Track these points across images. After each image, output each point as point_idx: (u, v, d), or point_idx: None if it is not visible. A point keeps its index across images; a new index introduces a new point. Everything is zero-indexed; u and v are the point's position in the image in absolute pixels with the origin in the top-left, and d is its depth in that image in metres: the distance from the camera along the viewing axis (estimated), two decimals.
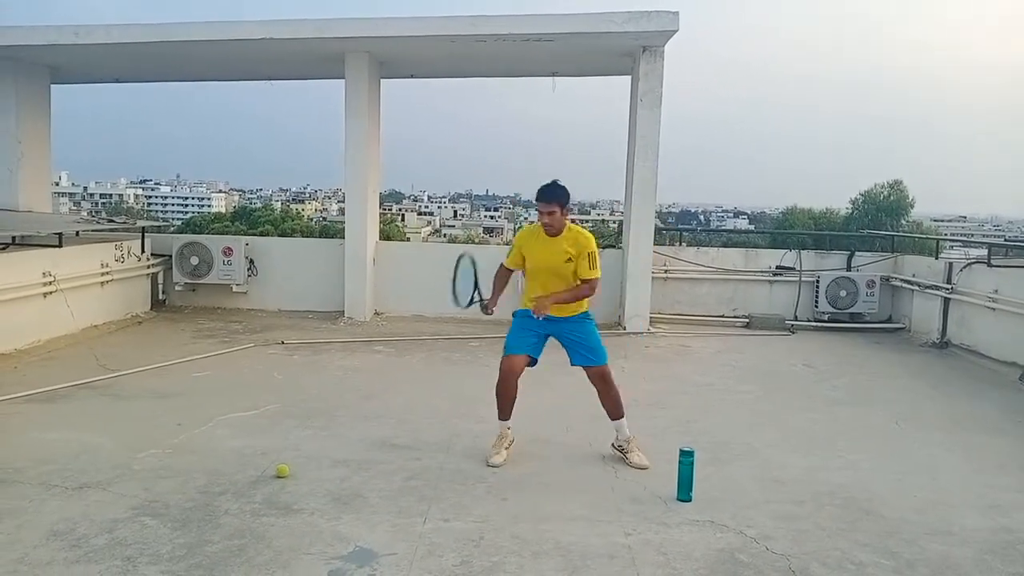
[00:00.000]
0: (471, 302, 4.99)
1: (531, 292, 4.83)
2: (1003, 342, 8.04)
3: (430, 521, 3.89)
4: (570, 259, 4.66)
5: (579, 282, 4.72)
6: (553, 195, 4.61)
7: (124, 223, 10.81)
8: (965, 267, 8.94)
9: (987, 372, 7.85)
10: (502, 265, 5.00)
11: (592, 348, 4.81)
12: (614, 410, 4.89)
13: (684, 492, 4.22)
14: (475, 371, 7.25)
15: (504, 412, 4.87)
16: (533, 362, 4.88)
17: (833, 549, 3.69)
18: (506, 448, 4.82)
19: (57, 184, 70.92)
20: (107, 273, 9.01)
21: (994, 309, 8.23)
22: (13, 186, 10.42)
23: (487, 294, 4.98)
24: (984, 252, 9.03)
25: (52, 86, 11.05)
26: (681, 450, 4.27)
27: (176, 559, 3.41)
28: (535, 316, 4.68)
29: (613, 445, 4.92)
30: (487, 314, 4.95)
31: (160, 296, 10.57)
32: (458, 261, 5.06)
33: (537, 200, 4.65)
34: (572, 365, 4.90)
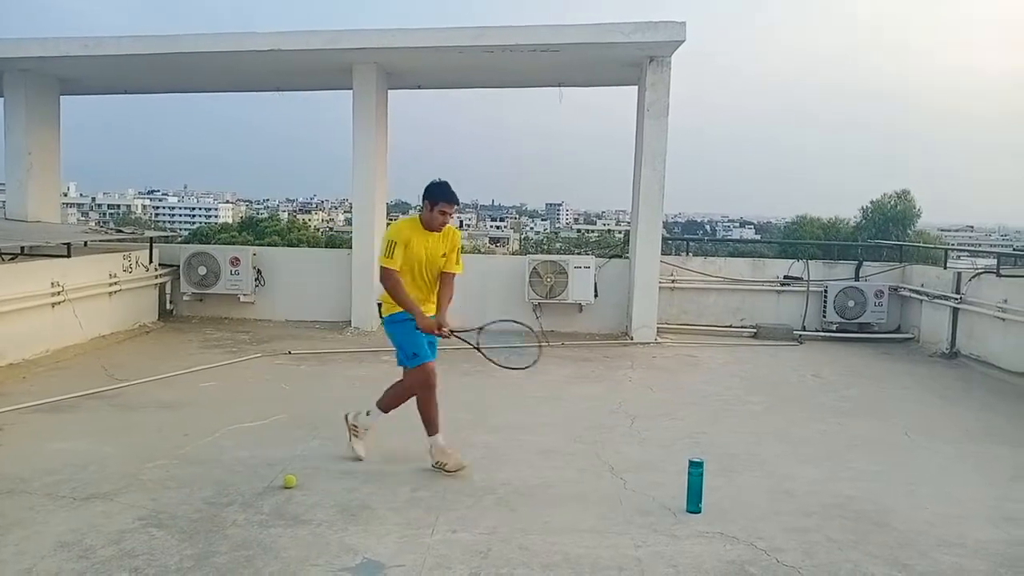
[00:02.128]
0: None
1: (410, 289, 4.69)
2: (1013, 352, 7.99)
3: (438, 532, 3.87)
4: (444, 255, 4.76)
5: (446, 275, 4.80)
6: (456, 198, 4.70)
7: (132, 233, 10.85)
8: (974, 277, 8.90)
9: (997, 382, 7.79)
10: (393, 271, 4.59)
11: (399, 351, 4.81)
12: (388, 406, 4.92)
13: (693, 504, 4.19)
14: (483, 381, 7.22)
15: (431, 428, 4.79)
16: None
17: (844, 561, 3.66)
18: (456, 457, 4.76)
19: (66, 195, 71.33)
20: (115, 283, 9.03)
21: (1004, 319, 8.18)
22: (22, 196, 10.49)
23: (399, 311, 4.75)
24: (993, 262, 8.99)
25: (61, 97, 11.13)
26: (690, 461, 4.25)
27: (183, 570, 3.40)
28: (442, 334, 4.65)
29: (347, 416, 4.98)
30: (445, 335, 4.74)
31: (168, 306, 10.59)
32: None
33: (445, 200, 4.65)
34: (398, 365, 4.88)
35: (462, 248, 4.86)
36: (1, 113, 10.55)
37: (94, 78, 11.09)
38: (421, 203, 4.73)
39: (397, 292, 4.60)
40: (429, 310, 4.78)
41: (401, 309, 4.65)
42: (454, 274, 4.85)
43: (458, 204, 4.75)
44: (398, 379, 4.91)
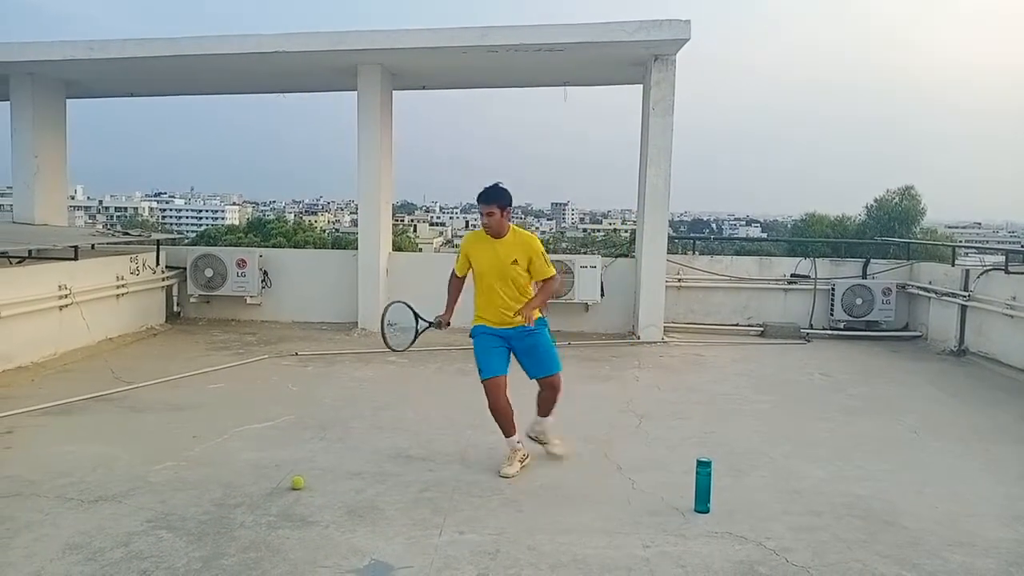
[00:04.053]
0: (417, 335, 5.04)
1: (480, 296, 4.81)
2: (1022, 349, 7.95)
3: (446, 533, 3.87)
4: (515, 261, 4.69)
5: (541, 283, 4.80)
6: (493, 197, 4.66)
7: (139, 236, 10.87)
8: (982, 274, 8.86)
9: (1006, 380, 7.75)
10: (453, 273, 5.00)
11: (552, 358, 4.85)
12: (547, 410, 4.97)
13: (702, 503, 4.18)
14: None
15: (508, 430, 4.82)
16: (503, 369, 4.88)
17: (854, 561, 3.64)
18: (519, 462, 4.80)
19: (72, 197, 71.61)
20: (123, 286, 9.06)
21: (1012, 316, 8.14)
22: (29, 200, 10.53)
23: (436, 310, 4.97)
24: (1001, 259, 8.95)
25: (68, 101, 11.16)
26: (698, 461, 4.24)
27: (192, 572, 3.40)
28: (526, 324, 4.66)
29: (530, 435, 5.01)
30: (442, 328, 4.97)
31: (175, 308, 10.62)
32: (385, 311, 5.05)
33: (478, 201, 4.69)
34: (530, 378, 4.88)
35: (543, 253, 4.77)
36: (8, 116, 10.59)
37: (100, 81, 11.12)
38: None
39: (448, 290, 5.00)
40: (507, 315, 4.73)
41: (478, 323, 4.81)
42: (546, 278, 4.77)
43: (492, 202, 4.63)
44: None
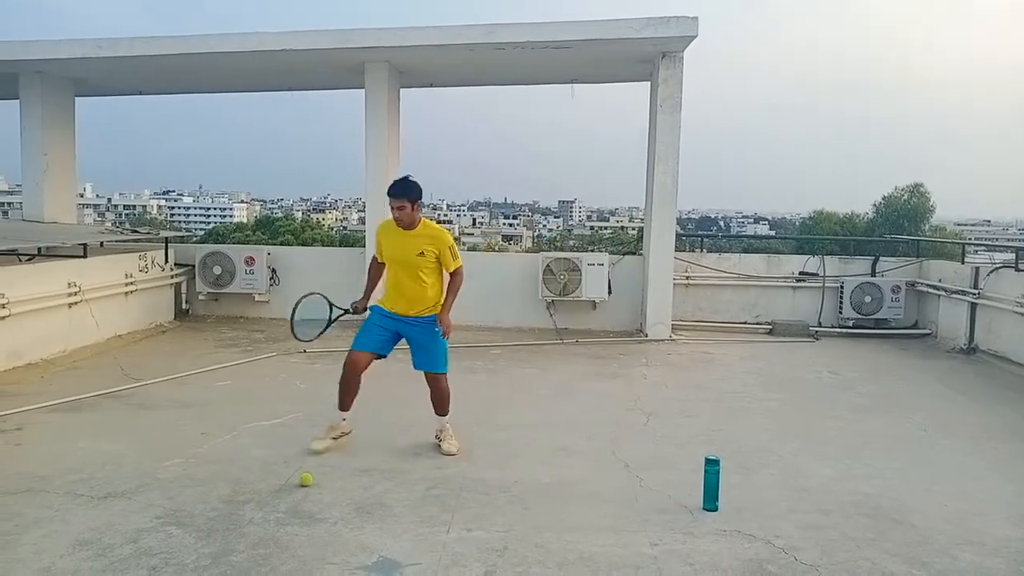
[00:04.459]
0: (329, 323, 5.18)
1: (388, 281, 5.02)
2: None
3: (453, 530, 3.87)
4: (422, 253, 4.86)
5: (450, 276, 4.98)
6: (403, 191, 4.78)
7: (148, 234, 10.91)
8: (992, 272, 8.81)
9: (1016, 378, 7.71)
10: (375, 258, 5.21)
11: (437, 357, 5.02)
12: (440, 409, 5.17)
13: (710, 501, 4.17)
14: (496, 379, 7.23)
15: (344, 404, 5.04)
16: (381, 356, 5.05)
17: (863, 559, 3.63)
18: (333, 438, 5.02)
19: (82, 195, 71.88)
20: (131, 283, 9.09)
21: (1022, 314, 8.09)
22: (39, 197, 10.58)
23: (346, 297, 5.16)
24: (1011, 256, 8.89)
25: (76, 99, 11.21)
26: (707, 459, 4.23)
27: (201, 569, 3.42)
28: (444, 336, 4.95)
29: (437, 437, 5.17)
30: (358, 314, 5.10)
31: (183, 305, 10.65)
32: (296, 305, 5.16)
33: (389, 195, 4.80)
34: (415, 369, 5.10)
35: (452, 247, 4.96)
36: (17, 115, 10.64)
37: (108, 79, 11.16)
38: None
39: (368, 273, 5.27)
40: (415, 304, 4.94)
41: (378, 304, 5.08)
42: (451, 272, 4.97)
43: (402, 196, 4.76)
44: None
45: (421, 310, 4.94)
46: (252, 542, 3.69)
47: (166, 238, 10.48)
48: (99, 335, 8.44)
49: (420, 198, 4.86)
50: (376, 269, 5.25)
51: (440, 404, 5.15)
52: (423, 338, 4.98)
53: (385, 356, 5.06)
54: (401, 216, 4.80)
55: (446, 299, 4.98)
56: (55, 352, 7.76)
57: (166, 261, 10.03)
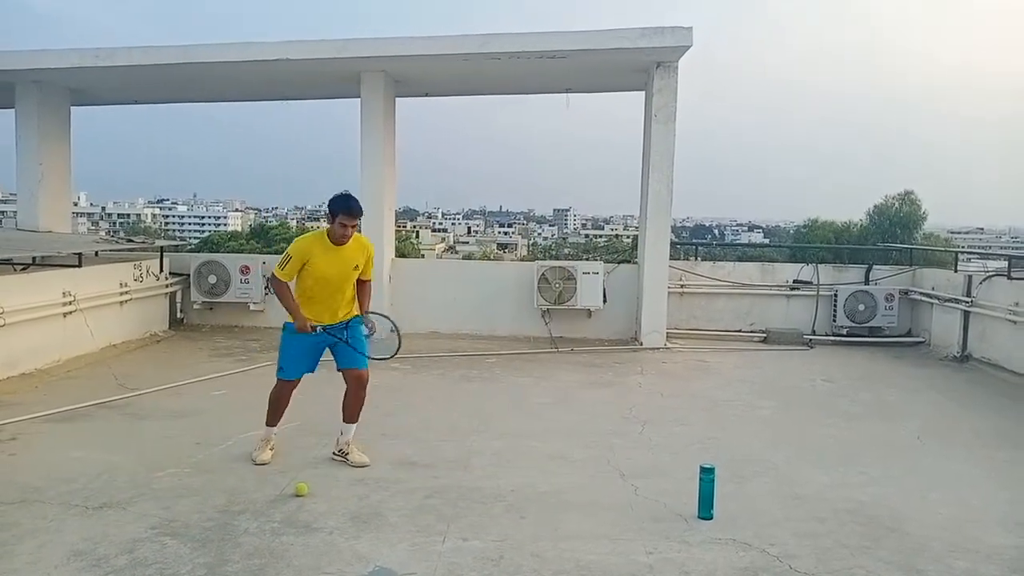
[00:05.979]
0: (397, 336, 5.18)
1: (314, 298, 4.88)
2: None
3: (449, 540, 3.87)
4: (356, 266, 4.90)
5: (360, 285, 5.04)
6: (359, 210, 4.77)
7: (142, 243, 10.91)
8: (985, 280, 8.86)
9: (1009, 386, 7.75)
10: (279, 279, 4.89)
11: (361, 353, 5.00)
12: (354, 414, 5.06)
13: (705, 510, 4.18)
14: (492, 388, 7.24)
15: (273, 420, 5.10)
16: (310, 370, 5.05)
17: (857, 567, 3.64)
18: (270, 449, 5.07)
19: (76, 204, 71.80)
20: (126, 292, 9.08)
21: (1015, 322, 8.13)
22: (34, 207, 10.58)
23: (285, 316, 4.99)
24: (1004, 264, 8.94)
25: (72, 108, 11.21)
26: (701, 467, 4.24)
27: None
28: (368, 334, 5.00)
29: (335, 453, 5.09)
30: (312, 331, 4.90)
31: (178, 315, 10.63)
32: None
33: (344, 213, 4.70)
34: (338, 370, 5.05)
35: (372, 256, 5.04)
36: (13, 124, 10.65)
37: (105, 89, 11.18)
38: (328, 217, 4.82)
39: (283, 296, 4.89)
40: (343, 311, 4.96)
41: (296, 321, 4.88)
42: (368, 281, 5.06)
43: (359, 215, 4.74)
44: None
45: (345, 315, 4.98)
46: (247, 552, 3.69)
47: (161, 247, 10.48)
48: (94, 344, 8.42)
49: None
50: (288, 290, 4.93)
51: (356, 407, 5.04)
52: (355, 340, 4.97)
53: (314, 371, 5.05)
54: (349, 233, 4.77)
55: (363, 303, 5.05)
56: (50, 362, 7.74)
57: (161, 270, 10.02)
